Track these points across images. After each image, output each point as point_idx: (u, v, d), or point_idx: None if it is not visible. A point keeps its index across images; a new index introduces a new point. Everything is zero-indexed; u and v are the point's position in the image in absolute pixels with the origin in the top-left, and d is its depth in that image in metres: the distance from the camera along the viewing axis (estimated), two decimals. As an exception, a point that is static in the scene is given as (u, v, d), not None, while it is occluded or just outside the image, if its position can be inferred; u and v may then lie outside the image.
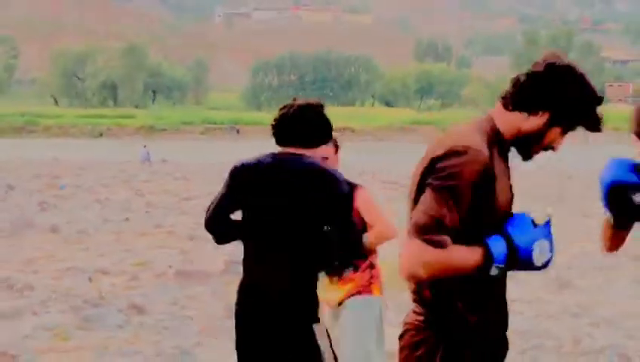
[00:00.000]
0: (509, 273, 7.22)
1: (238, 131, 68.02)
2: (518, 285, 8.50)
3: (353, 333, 3.68)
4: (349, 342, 3.68)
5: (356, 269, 3.69)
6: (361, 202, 3.64)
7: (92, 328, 6.56)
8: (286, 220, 2.90)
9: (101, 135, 70.61)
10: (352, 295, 3.74)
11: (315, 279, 2.97)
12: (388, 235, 3.69)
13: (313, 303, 2.94)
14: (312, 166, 2.93)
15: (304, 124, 3.06)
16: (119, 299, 7.67)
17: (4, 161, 31.76)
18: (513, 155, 2.36)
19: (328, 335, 3.00)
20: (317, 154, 3.05)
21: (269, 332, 2.87)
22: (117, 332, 6.52)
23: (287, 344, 2.85)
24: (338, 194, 2.91)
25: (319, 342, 2.88)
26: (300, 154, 3.00)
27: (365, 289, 3.68)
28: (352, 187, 3.54)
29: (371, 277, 3.68)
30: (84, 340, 6.25)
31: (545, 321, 6.92)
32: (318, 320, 2.94)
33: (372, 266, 3.71)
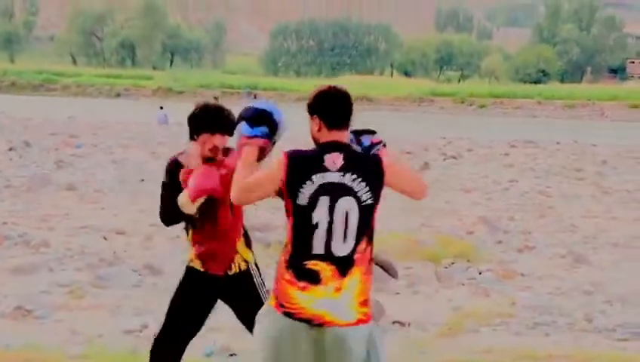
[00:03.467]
0: (524, 248, 7.02)
1: (255, 96, 67.86)
2: (530, 260, 8.50)
3: None
4: None
5: None
6: None
7: (106, 287, 6.62)
8: None
9: (118, 95, 70.66)
10: None
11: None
12: None
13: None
14: None
15: None
16: (134, 259, 7.73)
17: (22, 118, 31.87)
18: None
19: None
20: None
21: None
22: (131, 291, 6.58)
23: None
24: None
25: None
26: None
27: None
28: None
29: None
30: (98, 298, 6.31)
31: (557, 297, 6.90)
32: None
33: None
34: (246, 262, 3.85)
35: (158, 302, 6.30)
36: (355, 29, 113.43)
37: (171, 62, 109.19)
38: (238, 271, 3.83)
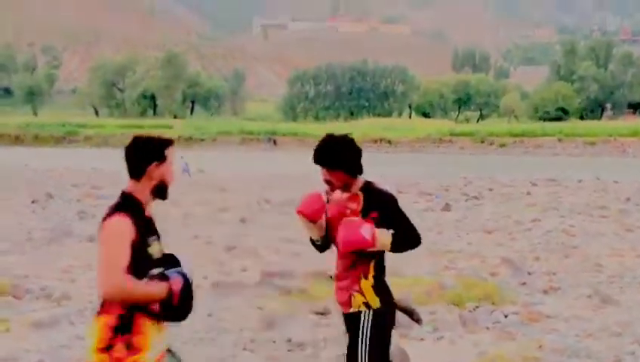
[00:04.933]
0: (549, 289, 6.92)
1: (275, 142, 68.23)
2: (556, 301, 8.35)
3: None
4: None
5: None
6: None
7: (128, 339, 6.56)
8: None
9: (140, 145, 71.27)
10: None
11: None
12: None
13: None
14: None
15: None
16: (155, 309, 7.68)
17: (45, 170, 32.24)
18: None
19: None
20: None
21: None
22: (152, 343, 6.51)
23: None
24: None
25: None
26: None
27: None
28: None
29: None
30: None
31: (585, 339, 6.76)
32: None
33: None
34: (366, 305, 3.65)
35: (180, 352, 6.24)
36: (371, 72, 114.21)
37: (192, 110, 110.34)
38: (356, 310, 3.67)
